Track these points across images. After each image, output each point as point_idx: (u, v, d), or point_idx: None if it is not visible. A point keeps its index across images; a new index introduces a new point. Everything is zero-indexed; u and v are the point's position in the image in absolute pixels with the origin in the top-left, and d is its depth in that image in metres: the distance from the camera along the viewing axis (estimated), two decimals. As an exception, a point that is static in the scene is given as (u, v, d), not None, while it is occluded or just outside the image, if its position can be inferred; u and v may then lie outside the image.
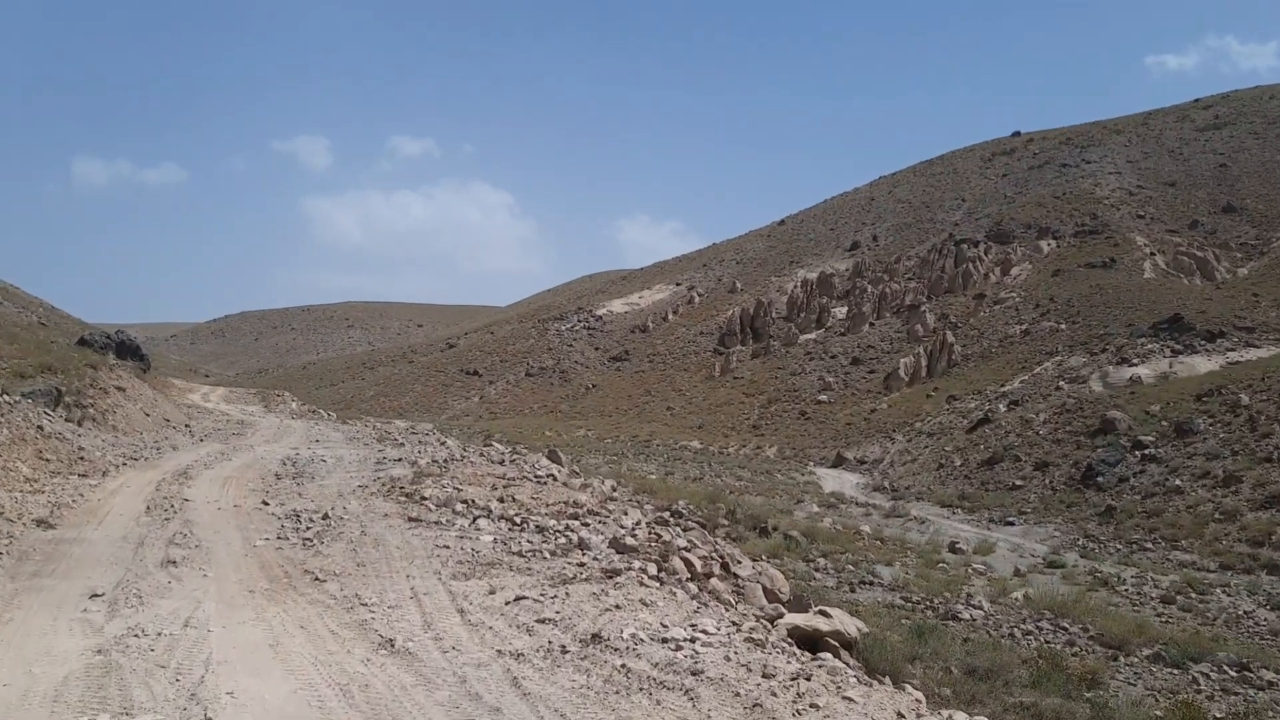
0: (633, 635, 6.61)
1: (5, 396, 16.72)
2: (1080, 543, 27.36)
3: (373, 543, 9.65)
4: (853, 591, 14.60)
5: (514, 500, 12.95)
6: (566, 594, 7.66)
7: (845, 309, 79.23)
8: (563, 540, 9.76)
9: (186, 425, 24.54)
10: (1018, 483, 36.78)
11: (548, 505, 12.77)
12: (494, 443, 24.31)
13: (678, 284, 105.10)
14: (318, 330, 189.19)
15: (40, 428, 16.12)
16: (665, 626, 6.88)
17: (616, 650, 6.33)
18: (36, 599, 7.63)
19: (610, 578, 8.10)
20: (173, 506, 11.72)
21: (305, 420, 29.31)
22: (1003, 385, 52.82)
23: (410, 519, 11.01)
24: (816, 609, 8.70)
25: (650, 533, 10.54)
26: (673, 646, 6.43)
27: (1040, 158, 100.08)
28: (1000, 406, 47.77)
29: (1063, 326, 59.56)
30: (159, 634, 6.75)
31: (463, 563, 8.85)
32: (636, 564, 8.66)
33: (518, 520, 10.88)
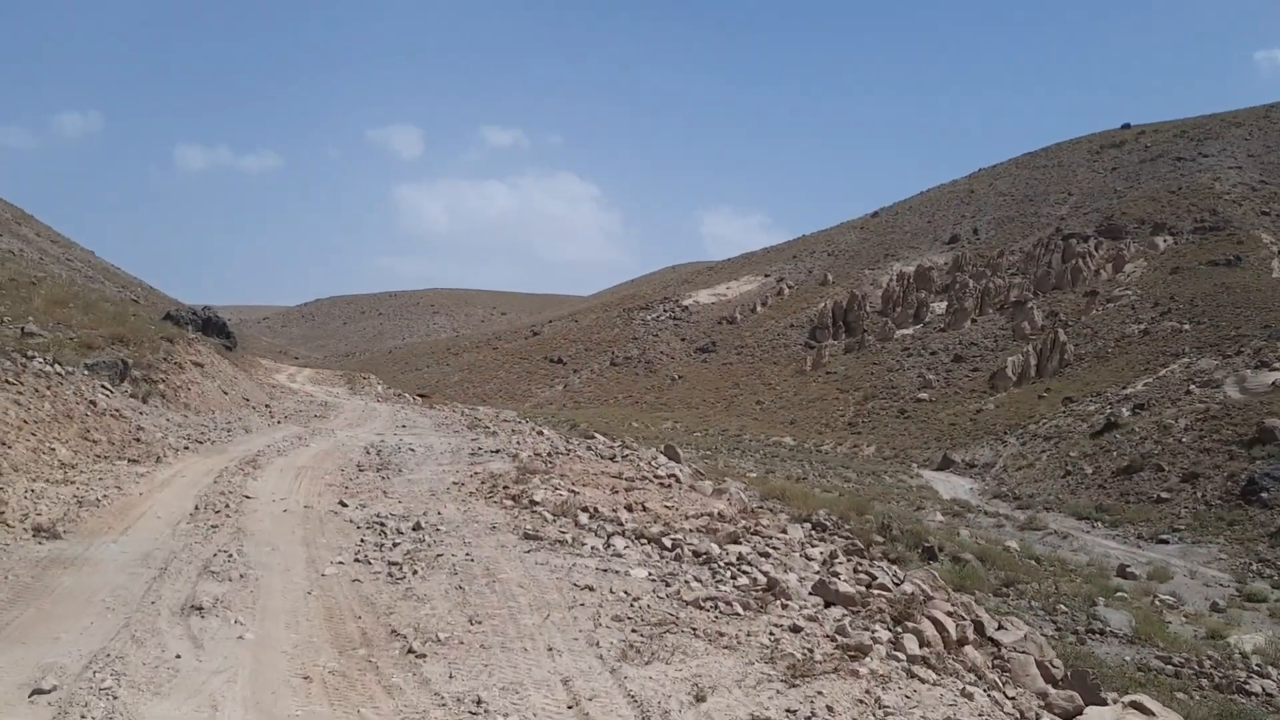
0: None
1: (56, 366, 14.76)
2: (1254, 567, 23.94)
3: (484, 575, 7.09)
4: (1081, 644, 11.61)
5: (644, 510, 10.40)
6: (827, 707, 4.80)
7: (945, 304, 75.22)
8: (743, 580, 7.05)
9: (266, 405, 22.71)
10: (1163, 495, 33.06)
11: (687, 518, 10.19)
12: (596, 434, 21.82)
13: (766, 275, 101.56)
14: (404, 316, 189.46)
15: (93, 403, 14.08)
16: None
17: None
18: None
19: (856, 659, 5.35)
20: (228, 507, 9.32)
21: (391, 404, 27.37)
22: (1124, 388, 48.83)
23: (526, 535, 8.47)
24: (1127, 700, 5.91)
25: (855, 570, 7.85)
26: None
27: (1153, 150, 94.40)
28: (1124, 410, 43.86)
29: (1186, 326, 55.43)
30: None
31: (621, 620, 6.13)
32: (882, 633, 5.93)
33: (666, 544, 8.22)
